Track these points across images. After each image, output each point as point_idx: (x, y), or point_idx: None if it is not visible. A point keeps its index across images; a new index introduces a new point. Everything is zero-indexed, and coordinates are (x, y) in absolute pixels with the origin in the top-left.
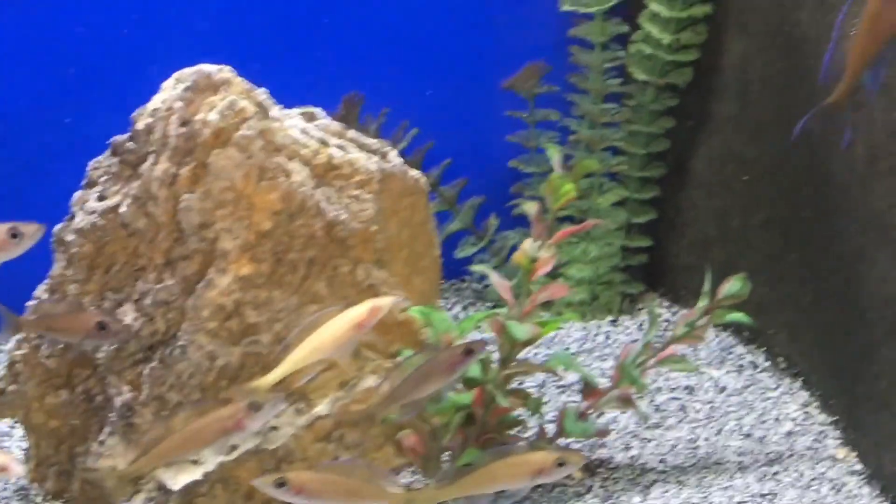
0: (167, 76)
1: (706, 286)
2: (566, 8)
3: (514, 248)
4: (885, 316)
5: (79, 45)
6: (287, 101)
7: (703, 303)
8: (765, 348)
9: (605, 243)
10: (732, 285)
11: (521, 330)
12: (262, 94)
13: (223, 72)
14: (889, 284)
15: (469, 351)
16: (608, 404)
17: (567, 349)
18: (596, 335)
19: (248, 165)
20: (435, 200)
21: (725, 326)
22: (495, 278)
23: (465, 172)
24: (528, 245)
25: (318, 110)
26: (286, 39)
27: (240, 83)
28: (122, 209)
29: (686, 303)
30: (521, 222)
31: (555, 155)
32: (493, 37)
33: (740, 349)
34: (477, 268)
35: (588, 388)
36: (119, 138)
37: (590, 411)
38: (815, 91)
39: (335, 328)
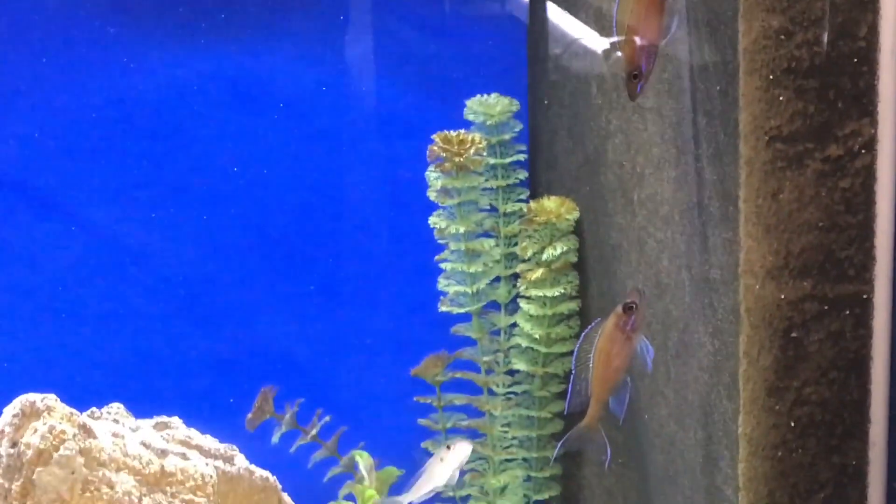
0: None
1: None
2: (443, 309)
3: None
4: None
5: None
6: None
7: None
8: None
9: None
10: None
11: None
12: (97, 412)
13: (47, 399)
14: None
15: None
16: None
17: None
18: None
19: (72, 480)
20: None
21: None
22: None
23: (380, 454)
24: None
25: (173, 419)
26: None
27: (62, 408)
28: None
29: None
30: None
31: (361, 463)
32: (397, 331)
33: None
34: None
35: None
36: None
37: None
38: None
39: None
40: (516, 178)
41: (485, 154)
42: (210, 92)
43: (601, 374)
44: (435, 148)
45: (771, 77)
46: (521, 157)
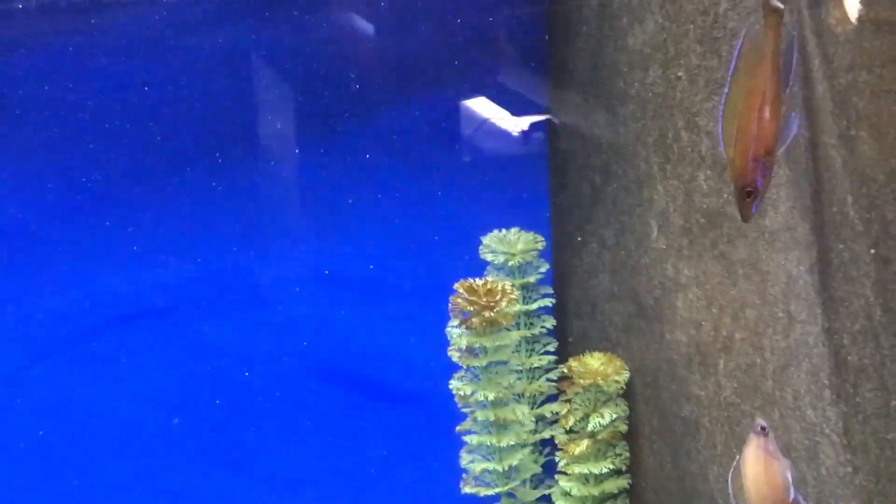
0: None
1: None
2: (467, 491)
3: None
4: None
5: None
6: None
7: None
8: None
9: None
10: None
11: None
12: None
13: None
14: None
15: None
16: None
17: None
18: None
19: None
20: None
21: None
22: None
23: None
24: None
25: None
26: None
27: None
28: None
29: None
30: None
31: None
32: None
33: None
34: None
35: None
36: None
37: None
38: None
39: None
40: (542, 328)
41: (518, 306)
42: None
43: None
44: (459, 300)
45: None
46: (549, 302)
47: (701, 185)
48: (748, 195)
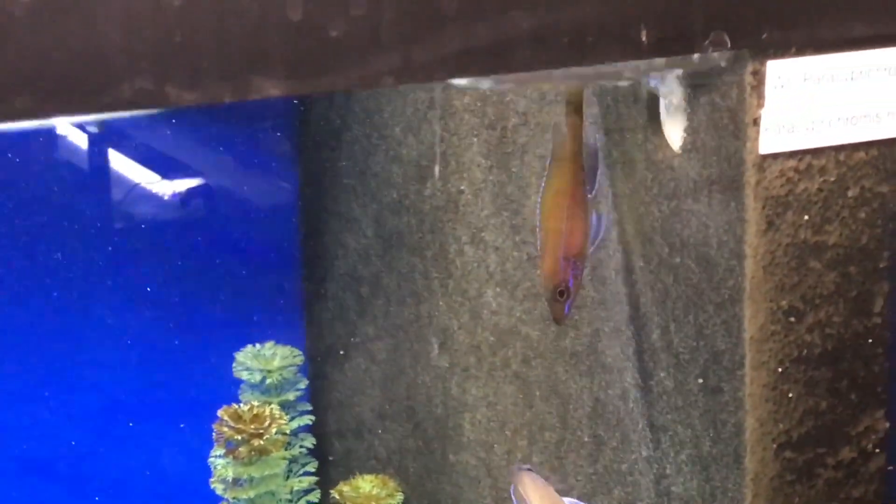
0: None
1: None
2: None
3: None
4: None
5: None
6: None
7: None
8: None
9: None
10: None
11: None
12: None
13: None
14: None
15: None
16: None
17: None
18: None
19: None
20: None
21: None
22: None
23: None
24: None
25: None
26: None
27: None
28: None
29: None
30: None
31: None
32: None
33: None
34: None
35: None
36: None
37: None
38: None
39: None
40: (302, 448)
41: (288, 432)
42: None
43: None
44: (224, 429)
45: (780, 370)
46: (308, 419)
47: (489, 302)
48: (560, 295)
